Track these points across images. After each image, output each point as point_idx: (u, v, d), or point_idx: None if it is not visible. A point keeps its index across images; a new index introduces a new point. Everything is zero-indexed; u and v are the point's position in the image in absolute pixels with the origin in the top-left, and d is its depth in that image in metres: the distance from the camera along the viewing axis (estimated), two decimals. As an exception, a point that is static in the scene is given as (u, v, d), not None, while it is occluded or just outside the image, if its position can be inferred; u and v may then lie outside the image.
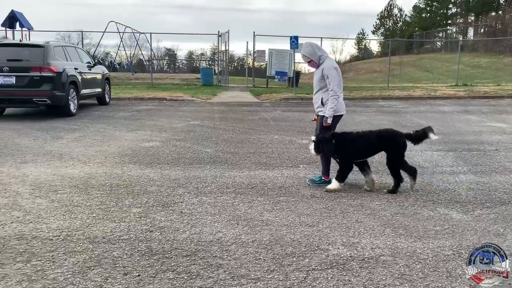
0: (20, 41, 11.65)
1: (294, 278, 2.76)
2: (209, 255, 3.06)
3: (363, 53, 59.21)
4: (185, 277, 2.74)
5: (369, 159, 4.97)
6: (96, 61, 13.41)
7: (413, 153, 6.62)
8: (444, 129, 9.03)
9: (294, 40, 15.78)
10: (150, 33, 21.90)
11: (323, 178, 4.98)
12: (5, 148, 6.59)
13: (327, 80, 4.74)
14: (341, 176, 4.72)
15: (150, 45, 23.42)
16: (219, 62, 23.76)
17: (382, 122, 10.03)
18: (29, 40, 26.66)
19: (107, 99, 13.46)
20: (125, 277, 2.74)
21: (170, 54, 58.55)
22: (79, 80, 10.82)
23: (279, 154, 6.55)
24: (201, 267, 2.88)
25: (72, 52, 11.43)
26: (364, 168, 4.82)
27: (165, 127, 9.03)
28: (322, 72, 4.78)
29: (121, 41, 29.50)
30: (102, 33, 26.93)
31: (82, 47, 18.64)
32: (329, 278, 2.77)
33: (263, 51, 21.32)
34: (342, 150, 4.68)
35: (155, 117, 10.68)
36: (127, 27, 30.05)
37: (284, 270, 2.86)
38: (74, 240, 3.28)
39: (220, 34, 21.37)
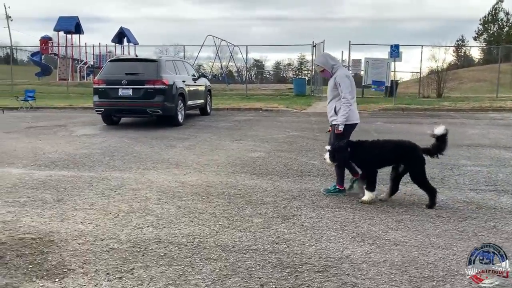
0: (136, 56, 12.66)
1: (439, 305, 2.60)
2: (341, 272, 3.01)
3: (463, 61, 55.41)
4: (322, 294, 2.72)
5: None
6: (200, 73, 14.15)
7: (544, 172, 5.98)
8: None
9: (394, 49, 15.25)
10: (246, 45, 22.63)
11: (337, 187, 5.01)
12: (127, 156, 7.17)
13: (339, 88, 4.79)
14: (371, 185, 4.64)
15: (246, 57, 24.23)
16: (312, 72, 23.74)
17: (498, 136, 9.23)
18: (135, 54, 29.06)
19: (209, 110, 14.11)
20: (262, 288, 2.79)
21: (258, 65, 59.95)
22: (186, 92, 11.48)
23: (390, 169, 6.28)
24: (335, 284, 2.84)
25: (180, 65, 12.19)
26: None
27: (266, 138, 9.19)
28: (335, 80, 4.84)
29: (217, 53, 30.83)
30: (200, 46, 28.42)
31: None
32: (478, 309, 2.56)
33: (359, 60, 20.89)
34: (361, 158, 4.67)
35: (255, 127, 10.92)
36: (222, 40, 31.41)
37: (425, 295, 2.70)
38: (207, 247, 3.42)
39: (314, 44, 21.37)
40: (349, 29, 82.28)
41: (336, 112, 4.88)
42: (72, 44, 34.28)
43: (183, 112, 11.28)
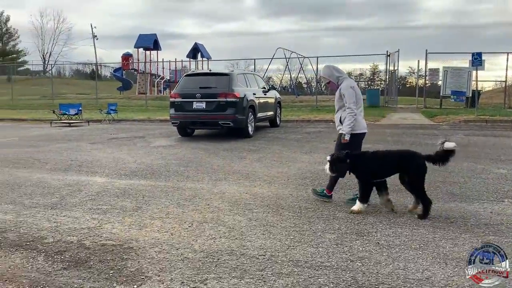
0: (210, 70, 13.10)
1: None
2: (421, 295, 2.81)
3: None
4: (401, 318, 2.55)
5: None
6: (270, 86, 14.30)
7: None
8: None
9: (477, 57, 14.32)
10: (317, 57, 22.50)
11: (325, 191, 5.12)
12: (201, 166, 7.37)
13: (344, 99, 4.93)
14: (363, 197, 4.62)
15: (316, 69, 24.05)
16: (386, 83, 23.01)
17: None
18: (208, 68, 30.10)
19: (278, 122, 14.17)
20: (336, 307, 2.68)
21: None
22: (256, 104, 11.63)
23: (474, 185, 5.86)
24: (416, 308, 2.66)
25: (251, 78, 12.40)
26: (381, 189, 4.72)
27: (338, 150, 8.98)
28: (340, 92, 5.00)
29: (287, 65, 31.00)
30: (271, 59, 28.76)
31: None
32: None
33: (437, 70, 19.90)
34: (359, 169, 4.65)
35: (326, 140, 10.75)
36: (292, 52, 31.54)
37: (520, 328, 2.44)
38: (279, 261, 3.38)
39: (389, 53, 20.74)
40: (426, 38, 78.59)
41: (341, 122, 5.02)
42: (150, 60, 36.30)
43: (253, 124, 11.43)
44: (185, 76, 11.93)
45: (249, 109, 11.11)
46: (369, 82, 48.58)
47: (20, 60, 66.11)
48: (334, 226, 4.23)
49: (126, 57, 37.26)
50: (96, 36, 50.93)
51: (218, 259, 3.43)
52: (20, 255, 3.56)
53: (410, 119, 15.69)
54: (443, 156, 4.46)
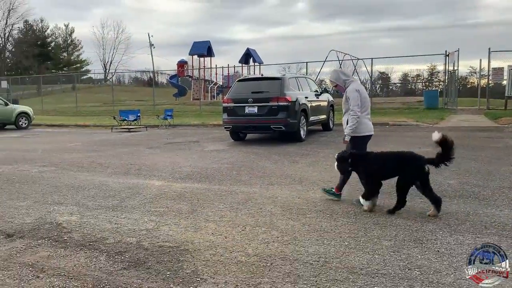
0: (262, 75, 13.19)
1: None
2: (487, 308, 2.65)
3: None
4: (465, 332, 2.41)
5: None
6: (322, 89, 14.14)
7: None
8: None
9: (546, 54, 13.33)
10: (371, 58, 21.97)
11: (333, 190, 5.33)
12: (253, 170, 7.42)
13: (349, 102, 5.07)
14: (366, 194, 4.75)
15: (371, 70, 23.49)
16: (445, 84, 22.01)
17: None
18: (260, 73, 30.31)
19: (331, 125, 13.98)
20: (394, 317, 2.59)
21: (383, 78, 57.57)
22: (308, 107, 11.55)
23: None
24: (481, 322, 2.50)
25: (303, 82, 12.34)
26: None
27: (393, 154, 8.69)
28: (346, 95, 5.12)
29: (340, 67, 30.48)
30: (323, 62, 28.43)
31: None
32: None
33: (501, 69, 18.77)
34: (360, 169, 4.85)
35: (382, 143, 10.42)
36: (346, 54, 30.98)
37: None
38: (333, 267, 3.32)
39: (447, 53, 19.84)
40: (488, 36, 74.23)
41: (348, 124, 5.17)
42: (204, 66, 37.15)
43: (305, 128, 11.35)
44: (238, 81, 12.08)
45: (301, 113, 11.05)
46: (427, 83, 46.68)
47: (83, 69, 70.35)
48: (391, 233, 4.09)
49: (182, 64, 38.38)
50: (153, 44, 53.05)
51: (271, 264, 3.42)
52: (84, 254, 3.75)
53: (471, 121, 14.89)
54: (442, 156, 4.47)
